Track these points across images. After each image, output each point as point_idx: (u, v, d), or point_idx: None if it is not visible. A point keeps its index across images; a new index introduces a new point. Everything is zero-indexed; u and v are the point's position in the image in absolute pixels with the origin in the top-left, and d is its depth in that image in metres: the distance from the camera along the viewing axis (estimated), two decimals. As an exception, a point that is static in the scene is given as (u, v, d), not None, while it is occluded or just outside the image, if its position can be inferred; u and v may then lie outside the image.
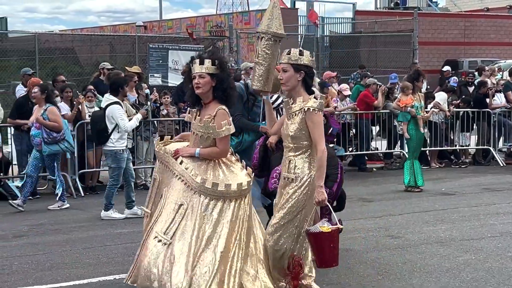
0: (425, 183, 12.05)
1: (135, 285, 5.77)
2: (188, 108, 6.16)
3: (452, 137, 15.67)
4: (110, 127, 9.78)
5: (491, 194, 11.72)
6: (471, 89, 16.56)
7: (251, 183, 5.82)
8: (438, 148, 15.37)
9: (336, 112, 13.94)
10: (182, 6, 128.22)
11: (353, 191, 11.35)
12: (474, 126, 15.84)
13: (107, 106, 9.85)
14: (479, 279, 6.68)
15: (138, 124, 10.50)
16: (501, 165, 15.45)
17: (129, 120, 10.01)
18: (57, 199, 10.80)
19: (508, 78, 16.47)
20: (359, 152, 14.97)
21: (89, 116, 12.12)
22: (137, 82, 12.55)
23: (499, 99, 15.93)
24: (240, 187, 5.66)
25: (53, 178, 11.16)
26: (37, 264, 7.46)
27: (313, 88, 7.05)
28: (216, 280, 5.52)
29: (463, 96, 15.91)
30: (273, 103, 7.26)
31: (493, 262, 7.26)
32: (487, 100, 15.59)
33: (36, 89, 10.82)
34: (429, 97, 14.97)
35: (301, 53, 5.65)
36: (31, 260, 7.64)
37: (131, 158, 10.44)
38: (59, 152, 10.89)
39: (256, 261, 5.81)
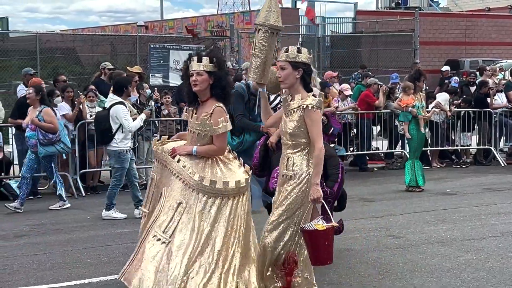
0: (426, 183, 12.04)
1: (125, 282, 5.76)
2: (185, 107, 6.17)
3: (453, 137, 15.66)
4: (114, 127, 9.78)
5: (492, 194, 11.72)
6: (472, 89, 16.55)
7: (249, 180, 5.82)
8: (439, 148, 15.37)
9: (337, 112, 13.94)
10: (183, 6, 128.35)
11: (354, 191, 11.35)
12: (475, 126, 15.83)
13: (111, 106, 9.85)
14: (480, 279, 6.68)
15: (142, 124, 10.50)
16: (502, 165, 15.45)
17: (133, 120, 10.01)
18: (59, 199, 10.81)
19: (509, 78, 16.47)
20: (360, 152, 14.97)
21: (90, 116, 12.15)
22: (138, 82, 12.55)
23: (500, 99, 15.93)
24: (238, 184, 5.67)
25: (52, 179, 11.12)
26: (38, 264, 7.46)
27: (314, 88, 7.09)
28: (214, 279, 5.53)
29: (464, 96, 15.91)
30: (271, 103, 7.26)
31: (494, 262, 7.25)
32: (488, 100, 15.59)
33: (30, 90, 10.78)
34: (430, 97, 14.97)
35: (299, 51, 5.65)
36: (32, 260, 7.65)
37: (134, 158, 10.44)
38: (55, 153, 10.84)
39: (251, 262, 5.82)
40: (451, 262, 7.25)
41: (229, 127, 5.89)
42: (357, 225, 9.04)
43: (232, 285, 5.65)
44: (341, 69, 22.16)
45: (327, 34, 29.90)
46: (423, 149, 12.99)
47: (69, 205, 10.83)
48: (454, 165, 15.44)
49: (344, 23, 33.28)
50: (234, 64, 16.73)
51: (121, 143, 9.76)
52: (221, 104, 5.82)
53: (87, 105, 12.21)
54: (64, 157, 11.69)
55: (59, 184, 10.81)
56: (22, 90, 12.86)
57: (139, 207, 6.46)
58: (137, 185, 10.04)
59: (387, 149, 15.46)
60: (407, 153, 13.58)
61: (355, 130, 15.07)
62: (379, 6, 44.65)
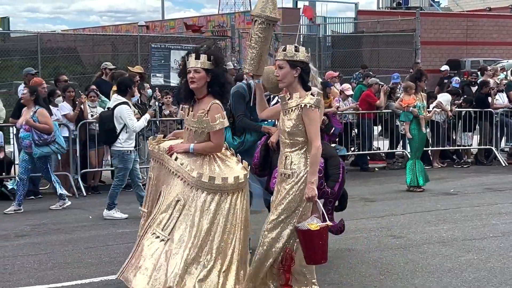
0: (427, 183, 12.02)
1: (124, 281, 5.77)
2: (181, 105, 6.19)
3: (454, 137, 15.66)
4: (118, 127, 9.77)
5: (493, 194, 11.71)
6: (474, 89, 16.54)
7: (247, 176, 5.82)
8: (440, 148, 15.36)
9: (338, 112, 13.94)
10: (184, 6, 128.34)
11: (355, 191, 11.34)
12: (477, 126, 15.82)
13: (115, 106, 9.84)
14: (481, 279, 6.68)
15: (146, 124, 10.49)
16: (503, 165, 15.44)
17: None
18: (58, 199, 10.80)
19: (511, 78, 16.45)
20: (361, 152, 14.96)
21: (92, 116, 12.16)
22: (139, 82, 12.55)
23: (501, 99, 15.92)
24: (237, 180, 5.67)
25: (47, 180, 11.05)
26: (39, 264, 7.46)
27: (314, 88, 7.09)
28: (213, 276, 5.53)
29: (465, 96, 15.90)
30: (269, 102, 7.26)
31: (495, 262, 7.25)
32: (489, 100, 15.58)
33: (25, 91, 10.74)
34: (431, 96, 14.97)
35: (296, 49, 5.65)
36: (33, 259, 7.65)
37: (138, 159, 10.44)
38: (50, 154, 10.77)
39: (247, 260, 5.84)
40: (452, 262, 7.25)
41: (226, 123, 5.90)
42: (358, 225, 9.03)
43: (231, 284, 5.66)
44: (342, 69, 22.17)
45: (328, 34, 29.92)
46: (424, 149, 12.99)
47: (69, 203, 10.82)
48: (455, 165, 15.44)
49: (345, 23, 33.30)
50: (235, 64, 16.72)
51: (125, 143, 9.75)
52: (217, 101, 5.82)
53: (89, 105, 12.21)
54: (59, 157, 11.63)
55: (56, 184, 10.78)
56: (23, 90, 12.85)
57: (139, 207, 6.46)
58: (141, 185, 10.04)
59: (388, 149, 15.46)
60: (408, 153, 13.58)
61: (356, 130, 15.07)
62: (380, 6, 44.66)
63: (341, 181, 7.04)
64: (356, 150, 15.16)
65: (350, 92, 14.82)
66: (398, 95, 14.70)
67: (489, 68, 18.76)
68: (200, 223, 5.56)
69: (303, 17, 33.07)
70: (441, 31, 34.65)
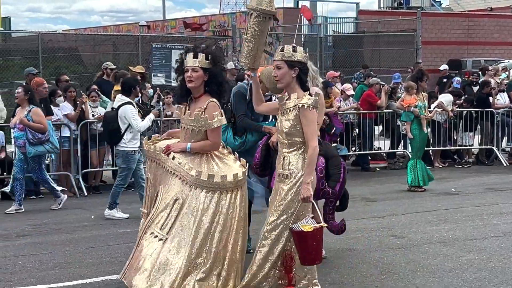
0: (430, 182, 11.99)
1: (126, 282, 5.77)
2: (177, 104, 6.18)
3: (455, 137, 15.65)
4: (122, 127, 9.77)
5: (494, 194, 11.71)
6: (475, 89, 16.53)
7: (246, 174, 5.81)
8: (441, 148, 15.35)
9: (339, 112, 13.93)
10: (185, 6, 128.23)
11: (356, 191, 11.34)
12: (478, 126, 15.81)
13: (119, 106, 9.84)
14: (482, 279, 6.67)
15: (150, 124, 10.49)
16: (505, 164, 15.42)
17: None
18: (54, 198, 10.77)
19: (512, 77, 16.46)
20: (362, 152, 14.95)
21: (93, 115, 12.17)
22: (140, 82, 12.54)
23: (502, 99, 15.92)
24: (236, 177, 5.66)
25: (39, 181, 10.92)
26: (40, 264, 7.46)
27: (316, 88, 7.08)
28: (213, 275, 5.54)
29: (466, 96, 15.89)
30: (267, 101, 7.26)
31: (496, 262, 7.25)
32: (491, 99, 15.57)
33: (19, 90, 10.72)
34: (432, 96, 14.96)
35: (294, 50, 5.65)
36: (35, 259, 7.65)
37: (142, 159, 10.43)
38: (44, 153, 10.74)
39: (243, 258, 5.85)
40: (453, 262, 7.25)
41: (224, 121, 5.90)
42: (359, 225, 9.03)
43: (231, 283, 5.67)
44: (343, 69, 22.17)
45: (329, 34, 29.91)
46: (425, 149, 12.98)
47: (66, 197, 10.80)
48: (456, 165, 15.43)
49: (346, 23, 33.30)
50: (236, 64, 16.70)
51: (130, 143, 9.75)
52: (214, 100, 5.82)
53: (90, 105, 12.22)
54: (53, 157, 11.56)
55: (50, 183, 10.71)
56: (24, 90, 12.86)
57: (140, 208, 6.46)
58: (144, 185, 10.03)
59: (389, 149, 15.46)
60: (409, 153, 13.57)
61: (357, 130, 15.06)
62: (381, 6, 44.69)
63: (342, 181, 7.04)
64: (357, 150, 15.15)
65: (351, 92, 14.81)
66: (399, 95, 14.71)
67: (490, 68, 18.75)
68: (200, 222, 5.55)
69: (302, 17, 33.16)
70: (442, 31, 34.65)
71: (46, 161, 12.53)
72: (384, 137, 15.63)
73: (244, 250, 5.86)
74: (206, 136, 5.81)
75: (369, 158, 15.21)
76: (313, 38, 25.72)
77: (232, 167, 5.85)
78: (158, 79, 16.62)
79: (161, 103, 12.31)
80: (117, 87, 12.50)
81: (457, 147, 15.69)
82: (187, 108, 5.93)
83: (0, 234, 9.08)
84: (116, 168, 12.48)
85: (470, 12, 40.00)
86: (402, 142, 15.42)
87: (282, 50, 5.68)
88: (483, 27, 35.89)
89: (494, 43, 36.05)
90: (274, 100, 7.29)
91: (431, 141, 14.90)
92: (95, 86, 12.91)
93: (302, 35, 27.30)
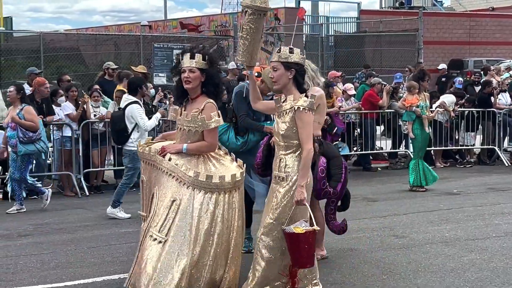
0: (432, 183, 11.98)
1: None
2: (171, 106, 6.15)
3: (456, 137, 15.64)
4: (129, 126, 9.76)
5: (496, 194, 11.70)
6: (477, 88, 16.52)
7: (244, 175, 5.80)
8: (443, 148, 15.34)
9: (340, 112, 13.93)
10: (187, 6, 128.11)
11: (358, 191, 11.34)
12: (479, 126, 15.80)
13: (126, 106, 9.84)
14: (484, 279, 6.67)
15: (157, 123, 10.47)
16: (506, 164, 15.41)
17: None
18: (40, 195, 10.74)
19: (514, 77, 16.44)
20: (363, 152, 14.95)
21: (95, 115, 12.18)
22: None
23: (504, 99, 15.91)
24: (234, 178, 5.64)
25: (22, 180, 10.68)
26: (42, 263, 7.47)
27: (316, 87, 7.08)
28: (216, 275, 5.53)
29: (468, 96, 15.89)
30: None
31: (498, 262, 7.24)
32: (492, 99, 15.56)
33: (11, 89, 10.70)
34: (433, 96, 14.95)
35: (291, 51, 5.64)
36: (36, 259, 7.66)
37: None
38: (35, 152, 10.65)
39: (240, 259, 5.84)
40: (454, 262, 7.24)
41: (221, 122, 5.87)
42: (360, 225, 9.03)
43: (233, 283, 5.66)
44: (345, 68, 22.16)
45: (331, 33, 29.93)
46: (427, 148, 12.98)
47: (50, 191, 10.74)
48: (458, 165, 15.42)
49: (348, 23, 33.29)
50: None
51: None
52: (211, 100, 5.79)
53: (92, 105, 12.23)
54: (43, 157, 11.54)
55: (29, 182, 10.57)
56: (26, 90, 12.86)
57: (138, 211, 6.42)
58: None
59: (390, 149, 15.46)
60: (411, 153, 13.57)
61: (358, 130, 15.06)
62: (383, 6, 44.67)
63: (344, 181, 7.04)
64: (359, 150, 15.15)
65: (353, 92, 14.81)
66: (401, 95, 14.70)
67: (492, 68, 18.73)
68: (200, 223, 5.51)
69: (306, 16, 33.13)
70: (443, 31, 34.62)
71: (48, 161, 12.55)
72: (386, 137, 15.63)
73: (240, 250, 5.85)
74: (202, 137, 5.77)
75: (371, 158, 15.21)
76: (315, 38, 25.71)
77: (229, 167, 5.82)
78: (160, 79, 16.65)
79: (167, 102, 12.30)
80: (120, 87, 12.52)
81: (459, 147, 15.69)
82: (183, 109, 5.90)
83: (2, 234, 9.09)
84: (118, 168, 12.54)
85: (472, 12, 39.97)
86: (403, 142, 15.42)
87: (279, 51, 5.68)
88: (485, 27, 35.87)
89: (496, 43, 36.02)
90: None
91: (432, 140, 14.89)
92: (97, 86, 12.92)
93: (304, 35, 27.31)
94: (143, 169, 6.08)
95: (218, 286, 5.64)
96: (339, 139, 13.73)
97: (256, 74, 6.31)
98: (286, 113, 5.58)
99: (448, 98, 15.26)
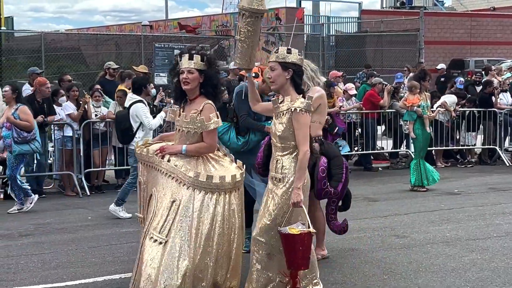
0: (435, 182, 11.97)
1: None
2: (169, 108, 6.12)
3: (457, 137, 15.64)
4: (134, 125, 9.76)
5: (497, 194, 11.70)
6: (478, 88, 16.52)
7: (243, 175, 5.79)
8: (444, 148, 15.34)
9: (341, 112, 13.93)
10: (188, 6, 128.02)
11: (359, 191, 11.34)
12: (480, 126, 15.80)
13: (130, 105, 9.83)
14: (484, 278, 6.67)
15: (162, 122, 10.47)
16: (507, 164, 15.41)
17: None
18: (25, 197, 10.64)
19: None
20: (364, 152, 14.95)
21: (96, 115, 12.18)
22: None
23: (505, 99, 15.91)
24: (234, 179, 5.62)
25: (11, 179, 10.67)
26: (43, 263, 7.47)
27: (317, 87, 7.08)
28: (219, 277, 5.52)
29: (469, 96, 15.88)
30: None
31: (499, 262, 7.24)
32: (493, 99, 15.56)
33: (7, 89, 10.68)
34: (434, 96, 14.95)
35: (289, 51, 5.63)
36: (37, 259, 7.66)
37: None
38: (29, 152, 10.65)
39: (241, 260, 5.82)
40: (455, 262, 7.24)
41: (220, 123, 5.85)
42: (361, 225, 9.03)
43: (235, 284, 5.66)
44: (346, 68, 22.17)
45: (332, 33, 29.93)
46: (428, 148, 12.97)
47: (36, 196, 10.64)
48: (459, 164, 15.42)
49: (349, 23, 33.30)
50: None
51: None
52: (210, 101, 5.77)
53: (93, 105, 12.23)
54: (38, 157, 11.54)
55: (19, 182, 10.50)
56: (27, 90, 12.89)
57: (135, 213, 6.39)
58: None
59: (391, 149, 15.45)
60: (412, 152, 13.56)
61: (359, 130, 15.05)
62: (384, 6, 44.63)
63: (345, 181, 7.04)
64: (360, 149, 15.14)
65: (354, 91, 14.81)
66: (402, 94, 14.70)
67: (493, 67, 18.73)
68: (200, 224, 5.49)
69: (307, 16, 33.14)
70: (445, 31, 34.61)
71: (49, 161, 12.56)
72: (387, 137, 15.62)
73: (241, 251, 5.85)
74: (201, 138, 5.75)
75: (372, 158, 15.20)
76: (316, 38, 25.72)
77: (229, 168, 5.80)
78: (161, 79, 16.66)
79: (172, 101, 12.29)
80: (121, 87, 12.53)
81: (460, 147, 15.68)
82: (182, 110, 5.89)
83: (3, 233, 9.09)
84: (119, 168, 12.55)
85: (473, 12, 39.95)
86: (404, 142, 15.42)
87: (277, 51, 5.67)
88: (486, 27, 35.84)
89: (497, 43, 36.00)
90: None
91: (432, 140, 14.89)
92: (98, 86, 12.92)
93: (305, 35, 27.32)
94: (141, 171, 6.05)
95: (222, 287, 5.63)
96: (340, 138, 13.73)
97: (253, 75, 6.30)
98: (283, 114, 5.57)
99: (449, 98, 15.26)
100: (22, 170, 11.85)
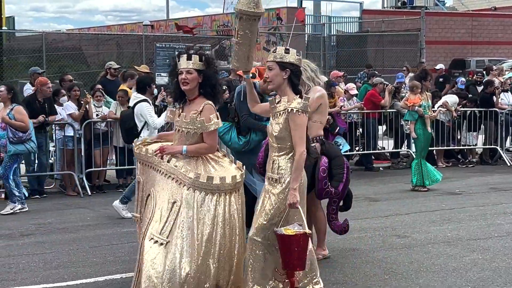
0: (437, 182, 11.97)
1: None
2: (168, 108, 6.10)
3: (458, 137, 15.63)
4: (139, 125, 9.76)
5: (498, 194, 11.69)
6: (480, 88, 16.51)
7: (243, 176, 5.78)
8: (445, 148, 15.33)
9: (342, 112, 13.93)
10: (189, 5, 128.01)
11: (360, 191, 11.35)
12: (481, 126, 15.79)
13: (135, 104, 9.83)
14: (485, 278, 6.67)
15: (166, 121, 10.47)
16: (508, 164, 15.40)
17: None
18: (9, 201, 10.54)
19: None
20: (366, 152, 14.95)
21: (97, 115, 12.18)
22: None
23: (506, 99, 15.90)
24: (235, 179, 5.61)
25: (4, 178, 10.62)
26: (44, 263, 7.48)
27: (317, 87, 7.08)
28: (221, 279, 5.52)
29: (470, 96, 15.88)
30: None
31: (500, 262, 7.24)
32: (494, 99, 15.55)
33: (2, 89, 10.65)
34: (435, 96, 14.95)
35: (286, 51, 5.63)
36: (39, 258, 7.67)
37: None
38: (24, 152, 10.64)
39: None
40: (456, 262, 7.24)
41: (220, 124, 5.83)
42: (362, 225, 9.03)
43: (237, 284, 5.65)
44: (347, 68, 22.16)
45: (333, 33, 29.92)
46: (429, 148, 12.96)
47: (19, 207, 10.45)
48: (460, 164, 15.41)
49: (350, 23, 33.31)
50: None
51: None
52: (210, 102, 5.76)
53: (94, 105, 12.23)
54: (32, 157, 11.52)
55: (11, 185, 10.41)
56: (28, 90, 12.91)
57: (131, 212, 6.36)
58: None
59: (393, 149, 15.45)
60: (413, 152, 13.55)
61: (360, 130, 15.05)
62: (385, 6, 44.65)
63: (346, 181, 7.04)
64: (361, 149, 15.15)
65: (355, 91, 14.81)
66: (403, 94, 14.69)
67: (494, 67, 18.72)
68: (201, 225, 5.47)
69: (308, 16, 33.13)
70: (446, 31, 34.62)
71: (50, 161, 12.57)
72: (388, 137, 15.61)
73: (243, 251, 5.84)
74: (201, 139, 5.73)
75: (373, 157, 15.19)
76: (317, 38, 25.72)
77: (229, 169, 5.79)
78: (162, 79, 16.65)
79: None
80: (123, 87, 12.54)
81: (461, 147, 15.68)
82: (181, 110, 5.87)
83: (4, 233, 9.10)
84: (120, 167, 12.55)
85: (474, 12, 39.95)
86: (405, 141, 15.42)
87: (275, 51, 5.67)
88: (487, 27, 35.85)
89: (498, 43, 36.01)
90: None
91: (434, 140, 14.88)
92: (99, 86, 12.93)
93: (306, 35, 27.32)
94: (140, 170, 6.03)
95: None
96: (339, 136, 13.72)
97: (251, 75, 6.29)
98: (280, 114, 5.56)
99: (450, 98, 15.25)
100: (23, 170, 11.92)
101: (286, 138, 5.53)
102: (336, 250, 7.65)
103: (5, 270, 7.19)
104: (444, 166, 15.11)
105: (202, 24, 35.82)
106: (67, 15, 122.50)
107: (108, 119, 12.12)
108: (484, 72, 18.13)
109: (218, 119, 5.74)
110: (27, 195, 11.02)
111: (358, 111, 14.70)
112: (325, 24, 29.93)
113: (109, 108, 12.32)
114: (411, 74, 18.28)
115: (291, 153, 5.54)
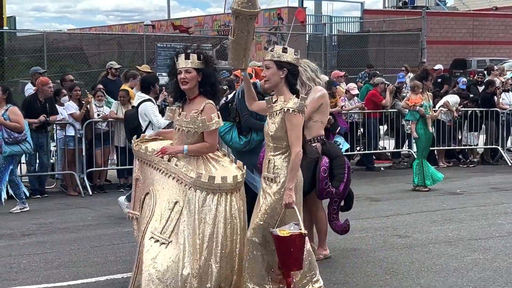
0: (438, 182, 11.96)
1: None
2: (167, 107, 6.08)
3: (460, 137, 15.63)
4: (143, 124, 9.76)
5: (499, 194, 11.69)
6: (481, 88, 16.50)
7: (244, 176, 5.78)
8: (446, 148, 15.33)
9: (343, 111, 13.93)
10: (190, 5, 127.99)
11: (361, 191, 11.34)
12: (482, 126, 15.79)
13: (139, 104, 9.83)
14: (487, 278, 6.66)
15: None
16: (510, 164, 15.39)
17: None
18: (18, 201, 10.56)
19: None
20: (367, 152, 14.95)
21: (98, 115, 12.19)
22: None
23: (507, 99, 15.90)
24: (236, 179, 5.60)
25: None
26: (45, 263, 7.48)
27: (318, 86, 7.08)
28: (221, 277, 5.51)
29: (471, 95, 15.87)
30: None
31: (501, 262, 7.23)
32: (495, 99, 15.55)
33: None
34: (436, 96, 14.94)
35: (284, 50, 5.62)
36: (40, 258, 7.67)
37: None
38: (20, 153, 10.63)
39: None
40: (457, 262, 7.24)
41: (221, 123, 5.83)
42: (363, 225, 9.03)
43: (239, 284, 5.65)
44: (348, 68, 22.17)
45: (334, 33, 29.93)
46: (430, 148, 12.96)
47: (28, 208, 10.49)
48: (461, 164, 15.41)
49: (351, 22, 33.31)
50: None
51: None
52: (211, 101, 5.75)
53: (95, 105, 12.24)
54: (27, 158, 11.48)
55: (2, 188, 10.42)
56: (30, 89, 12.91)
57: (128, 210, 6.31)
58: None
59: (394, 149, 15.45)
60: (414, 152, 13.54)
61: (362, 130, 15.06)
62: (386, 5, 44.66)
63: (347, 180, 7.04)
64: (362, 149, 15.15)
65: (356, 91, 14.81)
66: (404, 94, 14.69)
67: (495, 67, 18.71)
68: (203, 225, 5.46)
69: (309, 16, 33.13)
70: (447, 31, 34.63)
71: (51, 161, 12.58)
72: (389, 137, 15.61)
73: (244, 251, 5.84)
74: (201, 138, 5.72)
75: (374, 157, 15.19)
76: (318, 38, 25.73)
77: (230, 169, 5.78)
78: (163, 78, 16.63)
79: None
80: (125, 86, 12.54)
81: (462, 147, 15.67)
82: (181, 109, 5.86)
83: (5, 233, 9.10)
84: (121, 167, 12.55)
85: (475, 12, 39.97)
86: (407, 141, 15.41)
87: (272, 50, 5.66)
88: (488, 27, 35.86)
89: (499, 43, 36.02)
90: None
91: (435, 140, 14.88)
92: (101, 86, 12.93)
93: (307, 35, 27.32)
94: (138, 168, 6.00)
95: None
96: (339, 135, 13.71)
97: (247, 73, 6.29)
98: (276, 114, 5.55)
99: (452, 98, 15.25)
100: (25, 169, 11.93)
101: (282, 137, 5.52)
102: (337, 250, 7.65)
103: (6, 270, 7.20)
104: (445, 166, 15.11)
105: (203, 24, 35.83)
106: (68, 15, 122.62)
107: (109, 119, 12.12)
108: (485, 72, 18.14)
109: (219, 118, 5.73)
110: (28, 194, 11.02)
111: (359, 111, 14.70)
112: (326, 24, 29.96)
113: (110, 108, 12.32)
114: (410, 74, 18.29)
115: (287, 153, 5.54)
